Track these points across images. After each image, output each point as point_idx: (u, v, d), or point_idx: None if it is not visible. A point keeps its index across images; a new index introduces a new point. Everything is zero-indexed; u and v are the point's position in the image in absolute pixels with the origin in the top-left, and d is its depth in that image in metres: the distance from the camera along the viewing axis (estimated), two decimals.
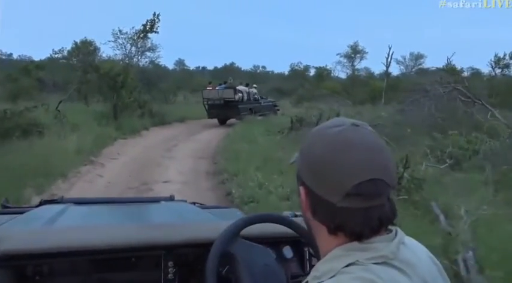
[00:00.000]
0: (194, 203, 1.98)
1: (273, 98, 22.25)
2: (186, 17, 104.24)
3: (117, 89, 12.35)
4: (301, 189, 0.73)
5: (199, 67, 57.55)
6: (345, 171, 0.66)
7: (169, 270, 1.19)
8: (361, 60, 43.15)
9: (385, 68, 34.99)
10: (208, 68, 58.69)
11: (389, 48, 33.87)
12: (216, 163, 8.60)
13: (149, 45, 25.37)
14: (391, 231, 0.71)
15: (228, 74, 43.16)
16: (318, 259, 0.75)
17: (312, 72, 40.01)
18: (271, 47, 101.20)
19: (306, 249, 1.29)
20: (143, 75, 21.03)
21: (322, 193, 0.68)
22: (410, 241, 0.76)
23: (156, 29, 15.33)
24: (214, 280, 0.99)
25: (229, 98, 15.60)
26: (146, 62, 25.98)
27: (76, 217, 1.59)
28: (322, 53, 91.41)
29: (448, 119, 11.53)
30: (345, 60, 43.39)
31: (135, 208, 1.92)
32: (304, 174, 0.72)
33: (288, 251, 1.26)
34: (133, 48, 21.50)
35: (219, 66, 54.18)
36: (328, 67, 40.29)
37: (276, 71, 56.60)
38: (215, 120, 16.41)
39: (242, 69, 52.77)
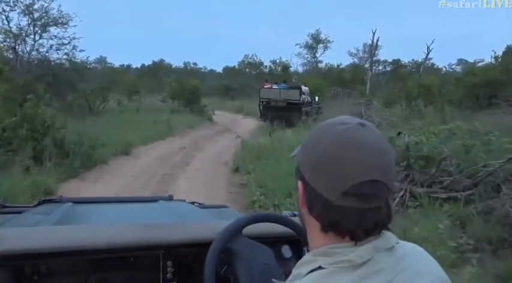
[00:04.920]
0: (193, 203, 1.96)
1: (218, 98, 19.11)
2: (105, 11, 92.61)
3: None
4: (300, 184, 0.72)
5: (123, 65, 48.37)
6: (347, 169, 0.64)
7: (168, 269, 1.17)
8: (325, 50, 38.03)
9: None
10: (133, 65, 50.50)
11: (373, 33, 27.94)
12: None
13: (54, 14, 14.62)
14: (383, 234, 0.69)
15: (157, 71, 36.15)
16: None
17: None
18: (202, 42, 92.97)
19: (304, 248, 1.27)
20: (49, 71, 12.59)
21: (321, 190, 0.67)
22: (413, 251, 0.73)
23: None
24: (212, 279, 0.99)
25: (293, 100, 13.41)
26: (51, 46, 14.81)
27: (74, 217, 1.58)
28: (263, 47, 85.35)
29: None
30: (305, 51, 37.88)
31: (134, 207, 1.91)
32: (305, 169, 0.70)
33: (286, 250, 1.25)
34: (25, 19, 12.60)
35: (147, 63, 47.39)
36: (284, 60, 35.23)
37: (208, 68, 53.69)
38: (177, 143, 11.43)
39: (173, 66, 47.75)
